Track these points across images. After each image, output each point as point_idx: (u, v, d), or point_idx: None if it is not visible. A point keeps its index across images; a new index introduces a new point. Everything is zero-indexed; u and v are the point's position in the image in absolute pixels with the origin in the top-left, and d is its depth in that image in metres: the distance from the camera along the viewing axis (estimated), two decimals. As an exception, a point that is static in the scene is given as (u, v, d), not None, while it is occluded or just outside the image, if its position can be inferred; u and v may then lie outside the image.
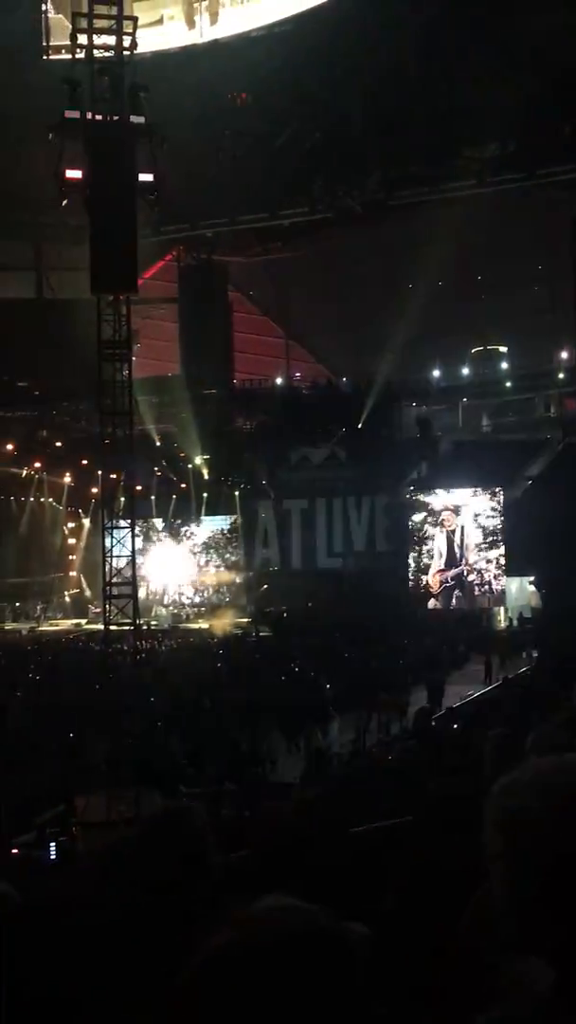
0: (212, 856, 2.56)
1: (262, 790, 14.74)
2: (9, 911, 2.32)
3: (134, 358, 22.55)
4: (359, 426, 44.73)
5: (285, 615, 42.05)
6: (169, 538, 47.22)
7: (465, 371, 47.50)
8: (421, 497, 42.95)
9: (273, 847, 2.81)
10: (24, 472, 47.66)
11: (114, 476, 23.98)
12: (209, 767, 19.24)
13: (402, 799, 4.83)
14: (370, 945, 1.10)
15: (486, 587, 41.91)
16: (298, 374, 52.61)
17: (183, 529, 47.41)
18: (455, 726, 16.05)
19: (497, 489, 41.50)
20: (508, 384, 46.23)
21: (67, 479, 47.83)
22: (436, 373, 47.38)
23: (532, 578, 39.60)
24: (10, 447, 45.53)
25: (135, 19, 21.26)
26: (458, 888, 1.98)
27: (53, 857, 7.86)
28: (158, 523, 46.68)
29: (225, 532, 47.33)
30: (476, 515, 42.00)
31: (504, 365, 46.98)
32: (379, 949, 1.44)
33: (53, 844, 7.99)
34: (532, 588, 39.82)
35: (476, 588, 41.98)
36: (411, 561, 42.75)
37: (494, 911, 1.36)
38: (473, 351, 48.14)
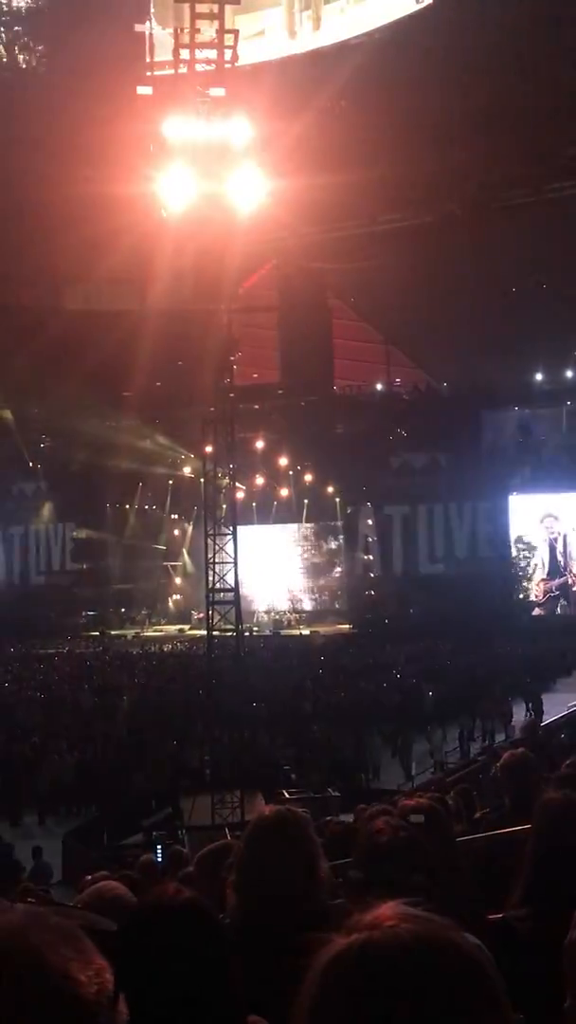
0: (322, 861, 2.57)
1: (366, 796, 14.71)
2: (126, 913, 2.38)
3: (235, 366, 22.74)
4: (460, 431, 44.25)
5: (387, 621, 41.88)
6: (276, 544, 47.33)
7: (569, 374, 46.58)
8: (523, 502, 42.27)
9: (378, 854, 2.81)
10: (128, 479, 48.53)
11: (216, 483, 24.21)
12: (312, 772, 19.30)
13: (512, 807, 4.78)
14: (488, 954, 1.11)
15: (593, 595, 41.08)
16: (398, 380, 52.29)
17: (299, 537, 47.61)
18: (563, 735, 15.79)
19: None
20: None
21: (170, 486, 48.55)
22: (539, 376, 46.57)
23: None
24: (116, 455, 46.43)
25: (236, 32, 21.46)
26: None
27: (160, 860, 7.97)
28: (263, 529, 46.90)
29: (340, 538, 47.34)
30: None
31: (611, 367, 45.93)
32: (499, 958, 1.44)
33: (160, 847, 8.11)
34: None
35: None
36: (514, 568, 42.09)
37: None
38: (577, 353, 47.17)
